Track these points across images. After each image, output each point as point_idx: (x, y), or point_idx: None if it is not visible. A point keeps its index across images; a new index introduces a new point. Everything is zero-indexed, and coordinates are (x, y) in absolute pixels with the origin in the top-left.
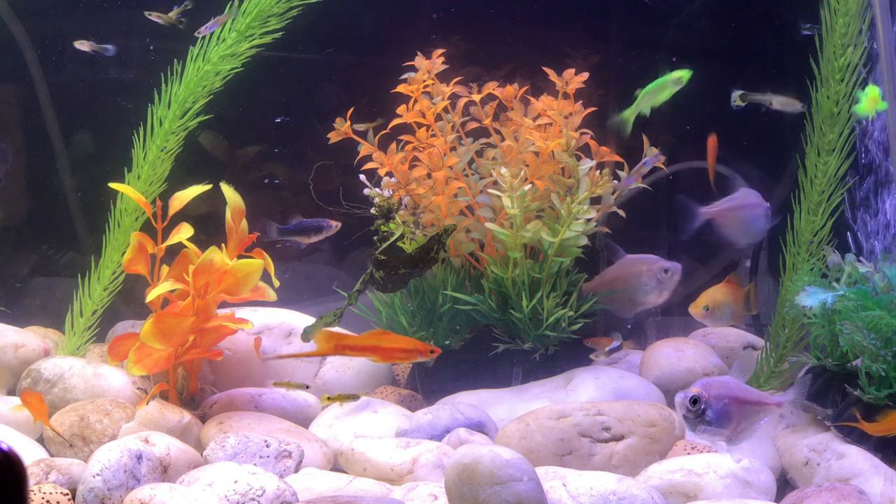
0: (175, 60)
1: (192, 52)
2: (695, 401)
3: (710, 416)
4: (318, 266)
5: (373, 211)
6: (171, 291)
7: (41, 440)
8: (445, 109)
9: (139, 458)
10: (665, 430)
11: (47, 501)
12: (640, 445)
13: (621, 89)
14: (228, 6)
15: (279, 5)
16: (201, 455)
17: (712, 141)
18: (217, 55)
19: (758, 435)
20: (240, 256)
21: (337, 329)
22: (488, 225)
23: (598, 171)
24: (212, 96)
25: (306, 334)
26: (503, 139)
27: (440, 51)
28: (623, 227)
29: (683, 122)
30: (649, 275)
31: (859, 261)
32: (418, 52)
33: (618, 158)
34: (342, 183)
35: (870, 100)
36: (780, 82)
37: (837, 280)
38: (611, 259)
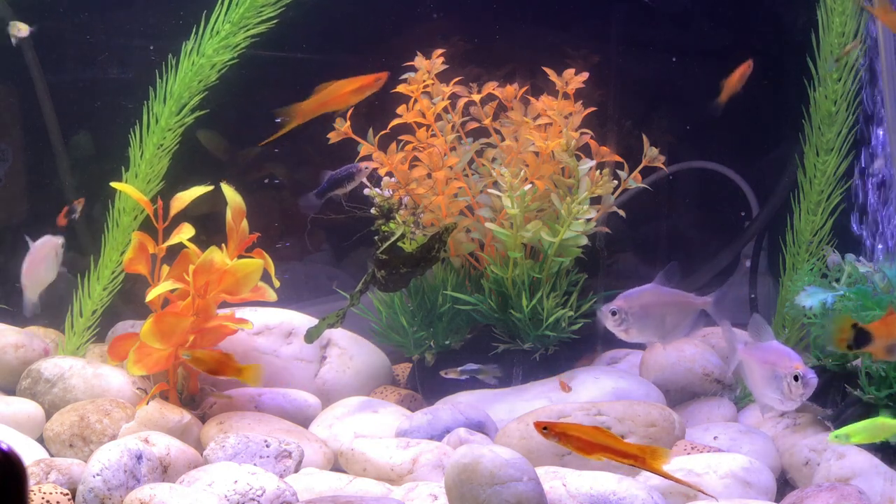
0: (170, 57)
1: (186, 46)
2: (614, 313)
3: (632, 322)
4: (317, 266)
5: (373, 211)
6: (171, 291)
7: (41, 440)
8: (445, 109)
9: (139, 458)
10: (665, 430)
11: (47, 501)
12: None
13: (621, 89)
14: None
15: None
16: (201, 455)
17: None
18: (211, 48)
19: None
20: (240, 256)
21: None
22: (488, 225)
23: (598, 171)
24: (207, 92)
25: (310, 336)
26: (503, 139)
27: (440, 51)
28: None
29: (683, 122)
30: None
31: (859, 261)
32: (418, 53)
33: (618, 158)
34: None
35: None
36: (779, 81)
37: (837, 280)
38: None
